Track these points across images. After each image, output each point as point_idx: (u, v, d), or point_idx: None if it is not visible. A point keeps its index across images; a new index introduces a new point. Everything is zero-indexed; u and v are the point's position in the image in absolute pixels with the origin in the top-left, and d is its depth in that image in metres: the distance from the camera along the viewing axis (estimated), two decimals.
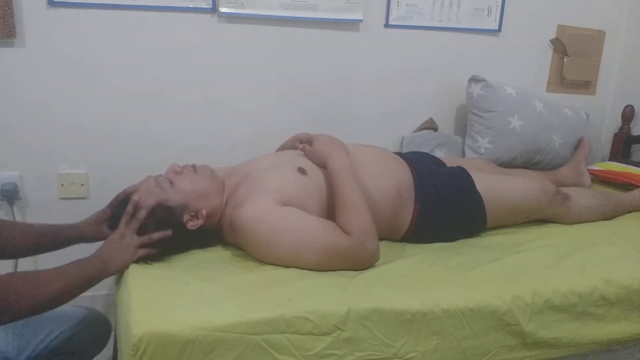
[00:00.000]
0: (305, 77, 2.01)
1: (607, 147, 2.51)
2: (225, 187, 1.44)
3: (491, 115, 2.07)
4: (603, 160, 2.42)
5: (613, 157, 2.42)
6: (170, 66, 1.84)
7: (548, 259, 1.44)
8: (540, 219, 1.72)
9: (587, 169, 2.16)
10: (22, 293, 1.06)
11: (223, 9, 1.83)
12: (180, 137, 1.90)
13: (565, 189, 1.77)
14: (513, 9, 2.20)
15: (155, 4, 1.76)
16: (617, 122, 2.44)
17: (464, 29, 2.16)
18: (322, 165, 1.43)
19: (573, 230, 1.68)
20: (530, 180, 1.74)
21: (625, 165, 2.16)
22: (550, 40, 2.32)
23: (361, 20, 2.00)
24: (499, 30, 2.21)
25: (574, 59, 2.36)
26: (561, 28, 2.32)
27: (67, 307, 1.33)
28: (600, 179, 2.18)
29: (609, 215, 1.81)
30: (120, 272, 1.28)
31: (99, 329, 1.38)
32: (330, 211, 1.36)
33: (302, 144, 1.54)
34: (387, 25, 2.06)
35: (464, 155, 2.15)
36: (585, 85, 2.47)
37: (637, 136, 2.39)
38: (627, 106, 2.39)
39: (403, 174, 1.55)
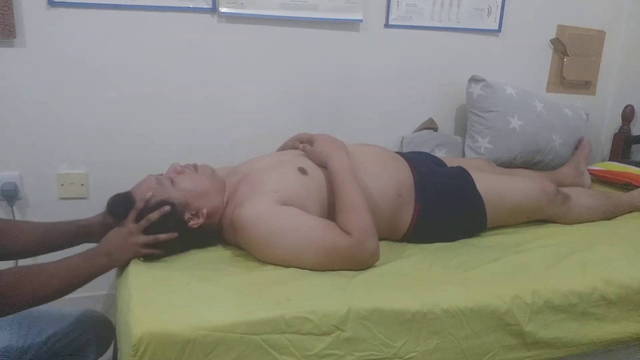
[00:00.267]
0: (305, 77, 2.01)
1: (607, 147, 2.51)
2: (226, 187, 1.44)
3: (491, 115, 2.07)
4: (603, 160, 2.42)
5: (613, 157, 2.42)
6: (170, 66, 1.84)
7: (548, 259, 1.44)
8: (540, 219, 1.72)
9: (587, 169, 2.16)
10: (28, 287, 1.09)
11: (223, 9, 1.83)
12: (180, 137, 1.90)
13: (565, 189, 1.77)
14: (513, 9, 2.20)
15: (155, 4, 1.76)
16: (617, 122, 2.44)
17: (464, 29, 2.16)
18: (323, 165, 1.43)
19: (573, 230, 1.68)
20: (530, 181, 1.74)
21: (625, 165, 2.16)
22: (550, 40, 2.32)
23: (361, 20, 2.00)
24: (499, 30, 2.21)
25: (574, 59, 2.36)
26: (561, 28, 2.32)
27: (72, 309, 1.34)
28: (600, 179, 2.18)
29: (609, 215, 1.81)
30: (121, 268, 1.28)
31: (103, 331, 1.38)
32: (331, 211, 1.37)
33: (303, 144, 1.55)
34: (387, 25, 2.06)
35: (464, 155, 2.15)
36: (585, 85, 2.47)
37: (637, 136, 2.40)
38: (627, 106, 2.39)
39: (403, 174, 1.55)
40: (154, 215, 1.27)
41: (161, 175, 1.39)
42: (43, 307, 1.24)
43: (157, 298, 1.11)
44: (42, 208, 1.81)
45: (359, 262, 1.28)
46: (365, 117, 2.12)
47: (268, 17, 1.89)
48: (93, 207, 1.40)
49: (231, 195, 1.42)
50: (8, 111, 1.71)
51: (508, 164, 2.09)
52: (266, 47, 1.93)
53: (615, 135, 2.44)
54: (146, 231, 1.27)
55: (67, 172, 1.82)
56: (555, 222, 1.73)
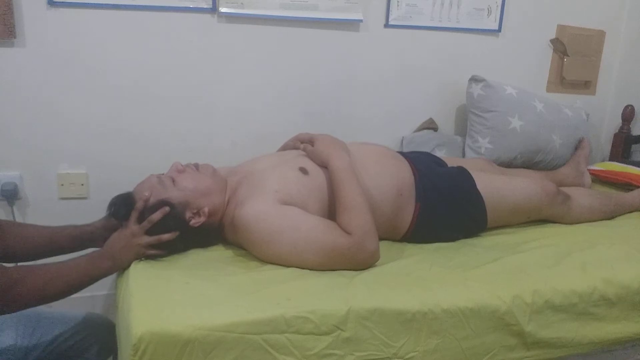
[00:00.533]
0: (306, 77, 2.01)
1: (607, 147, 2.51)
2: (227, 186, 1.44)
3: (491, 115, 2.07)
4: (603, 160, 2.42)
5: (613, 157, 2.41)
6: (170, 66, 1.84)
7: (548, 259, 1.44)
8: (540, 219, 1.72)
9: (588, 169, 2.16)
10: (33, 285, 1.10)
11: (223, 9, 1.83)
12: (180, 137, 1.89)
13: (565, 189, 1.77)
14: (513, 9, 2.20)
15: (155, 4, 1.76)
16: (617, 122, 2.44)
17: (464, 29, 2.16)
18: (324, 165, 1.43)
19: (573, 230, 1.68)
20: (530, 180, 1.74)
21: (625, 165, 2.16)
22: (550, 40, 2.32)
23: (361, 20, 2.00)
24: (499, 30, 2.21)
25: (574, 59, 2.36)
26: (561, 28, 2.32)
27: (78, 311, 1.35)
28: (601, 179, 2.17)
29: (609, 215, 1.82)
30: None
31: (107, 335, 1.38)
32: (332, 211, 1.37)
33: (303, 144, 1.55)
34: (387, 25, 2.06)
35: (464, 155, 2.15)
36: (585, 85, 2.47)
37: (637, 136, 2.40)
38: (627, 106, 2.39)
39: (404, 173, 1.55)
40: (156, 216, 1.27)
41: (163, 174, 1.39)
42: (47, 309, 1.25)
43: (157, 298, 1.11)
44: (42, 208, 1.81)
45: (359, 261, 1.28)
46: (366, 117, 2.12)
47: (268, 17, 1.89)
48: (93, 207, 1.41)
49: (232, 194, 1.42)
50: (8, 111, 1.71)
51: (508, 164, 2.09)
52: (266, 47, 1.93)
53: (616, 135, 2.44)
54: (149, 232, 1.27)
55: (67, 172, 1.82)
56: (556, 222, 1.73)
